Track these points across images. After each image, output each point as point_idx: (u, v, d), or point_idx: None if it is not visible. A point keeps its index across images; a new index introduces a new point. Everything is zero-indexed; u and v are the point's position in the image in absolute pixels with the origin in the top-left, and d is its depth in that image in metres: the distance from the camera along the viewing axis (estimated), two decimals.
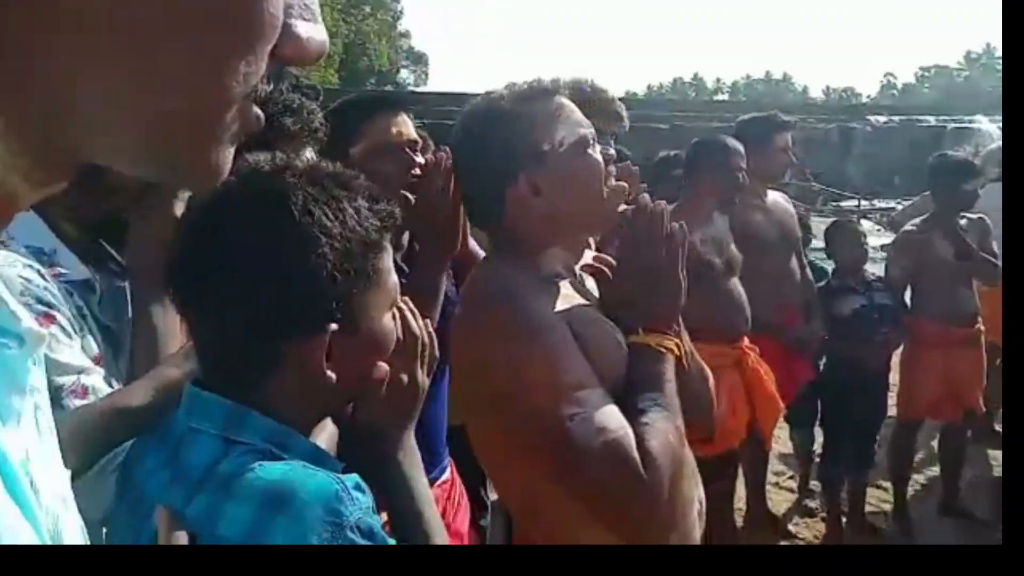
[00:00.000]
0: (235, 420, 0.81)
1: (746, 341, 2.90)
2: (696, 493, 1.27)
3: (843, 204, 17.76)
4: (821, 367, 3.51)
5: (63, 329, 0.95)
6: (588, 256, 1.31)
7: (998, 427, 4.24)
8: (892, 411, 3.70)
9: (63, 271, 1.02)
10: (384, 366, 0.89)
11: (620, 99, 2.46)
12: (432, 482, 1.65)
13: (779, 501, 3.82)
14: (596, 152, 1.22)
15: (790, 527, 3.59)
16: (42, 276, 0.96)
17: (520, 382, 1.11)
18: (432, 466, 1.63)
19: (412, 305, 0.95)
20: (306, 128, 1.40)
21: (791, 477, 4.02)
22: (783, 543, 3.45)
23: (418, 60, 52.78)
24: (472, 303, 1.22)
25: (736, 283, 2.87)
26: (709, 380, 1.40)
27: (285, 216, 0.80)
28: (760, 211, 3.21)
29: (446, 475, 1.73)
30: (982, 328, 3.55)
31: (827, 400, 3.51)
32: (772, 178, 3.32)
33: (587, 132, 1.22)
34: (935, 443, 3.92)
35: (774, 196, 3.36)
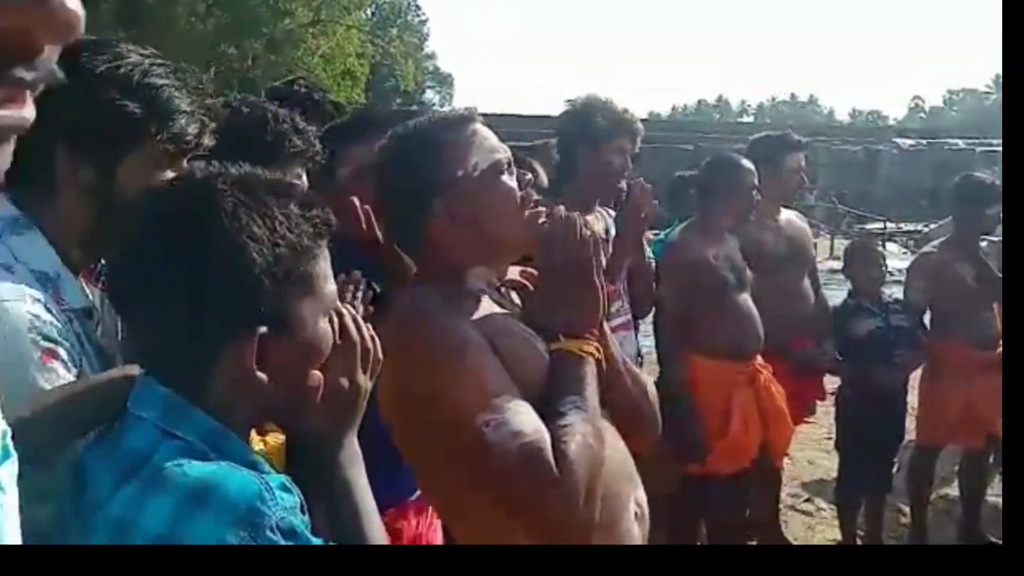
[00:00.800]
0: (176, 414, 0.83)
1: (759, 359, 2.89)
2: (634, 495, 1.29)
3: (869, 226, 17.62)
4: (835, 388, 3.47)
5: (64, 363, 0.97)
6: (513, 271, 1.35)
7: None
8: (911, 434, 3.65)
9: (64, 299, 1.03)
10: (317, 375, 0.89)
11: (644, 120, 2.50)
12: (403, 498, 1.65)
13: (795, 525, 3.76)
14: (511, 177, 1.26)
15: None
16: (48, 310, 0.98)
17: (437, 390, 1.15)
18: (403, 483, 1.61)
19: (353, 310, 0.96)
20: (310, 150, 1.44)
21: (807, 500, 3.98)
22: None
23: (443, 81, 53.28)
24: (391, 318, 1.25)
25: (748, 301, 2.87)
26: (649, 392, 1.42)
27: (214, 221, 0.81)
28: (771, 230, 3.21)
29: (419, 491, 1.71)
30: None
31: (842, 421, 3.47)
32: (784, 198, 3.32)
33: (501, 157, 1.26)
34: (955, 468, 3.86)
35: (787, 215, 3.36)
